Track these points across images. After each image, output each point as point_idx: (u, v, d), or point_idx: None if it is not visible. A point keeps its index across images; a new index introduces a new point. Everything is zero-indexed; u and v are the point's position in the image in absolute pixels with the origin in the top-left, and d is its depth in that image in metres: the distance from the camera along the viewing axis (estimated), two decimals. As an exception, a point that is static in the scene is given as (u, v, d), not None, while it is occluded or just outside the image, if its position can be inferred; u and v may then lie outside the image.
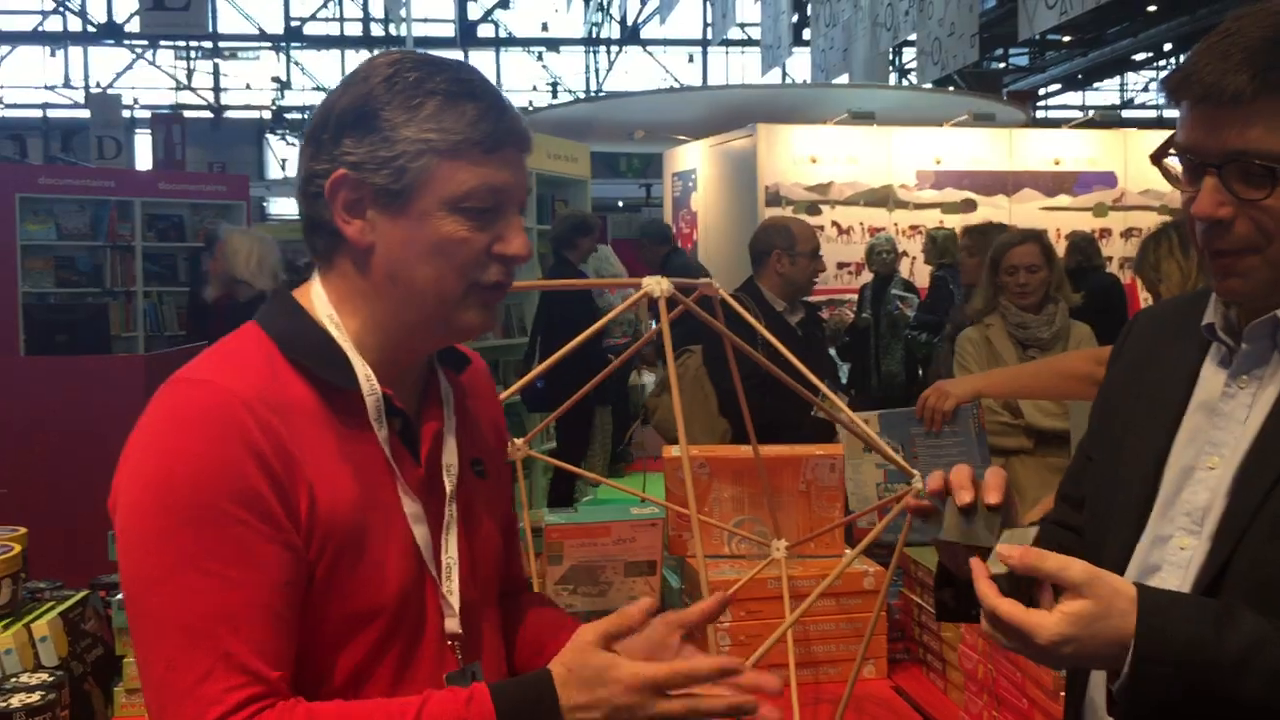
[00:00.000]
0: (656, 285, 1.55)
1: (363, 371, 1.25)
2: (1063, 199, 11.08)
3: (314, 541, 1.18)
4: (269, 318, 1.29)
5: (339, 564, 1.20)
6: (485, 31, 24.56)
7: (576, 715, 1.15)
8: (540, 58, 24.82)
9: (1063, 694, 1.72)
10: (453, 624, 1.30)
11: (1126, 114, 24.59)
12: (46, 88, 23.69)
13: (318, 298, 1.29)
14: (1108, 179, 11.19)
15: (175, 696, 1.11)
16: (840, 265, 10.21)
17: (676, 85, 22.64)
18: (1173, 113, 1.28)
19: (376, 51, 1.28)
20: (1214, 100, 1.19)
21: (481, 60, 23.90)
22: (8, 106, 24.00)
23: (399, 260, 1.24)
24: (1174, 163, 1.30)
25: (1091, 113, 21.28)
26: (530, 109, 19.48)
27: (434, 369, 1.37)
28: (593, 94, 23.14)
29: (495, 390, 1.53)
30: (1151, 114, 24.50)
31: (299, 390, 1.23)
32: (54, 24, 23.44)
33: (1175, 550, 1.30)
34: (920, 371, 7.39)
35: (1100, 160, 11.25)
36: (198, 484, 1.13)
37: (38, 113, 23.95)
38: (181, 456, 1.15)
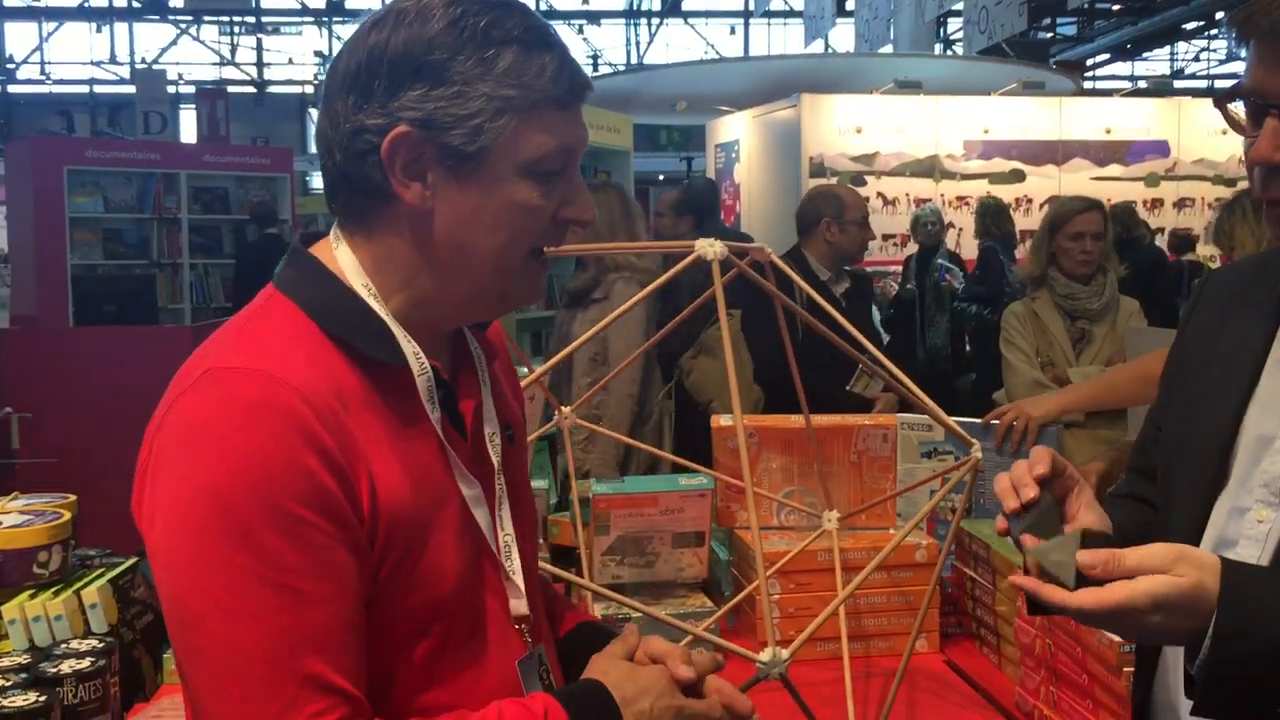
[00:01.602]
0: (710, 248, 1.51)
1: (410, 348, 1.12)
2: (1114, 169, 10.88)
3: (379, 537, 1.06)
4: (295, 286, 1.14)
5: (404, 561, 1.08)
6: (526, 4, 24.47)
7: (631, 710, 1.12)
8: (581, 30, 24.73)
9: (1126, 669, 1.68)
10: (519, 605, 1.19)
11: (1177, 84, 24.15)
12: (93, 63, 23.92)
13: (348, 265, 1.14)
14: (1161, 148, 10.98)
15: None
16: (885, 237, 10.09)
17: (718, 57, 22.47)
18: (1225, 83, 1.20)
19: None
20: (1277, 37, 1.12)
21: (523, 33, 23.80)
22: (55, 83, 24.26)
23: (464, 228, 1.11)
24: (1240, 110, 1.23)
25: (1141, 83, 20.91)
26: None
27: (461, 331, 1.25)
28: (634, 66, 23.00)
29: (508, 347, 1.42)
30: (1202, 84, 24.04)
31: (344, 371, 1.09)
32: (100, 0, 23.64)
33: (1253, 523, 1.24)
34: (967, 345, 7.29)
35: (1153, 129, 11.04)
36: (261, 488, 0.99)
37: (84, 88, 24.19)
38: (238, 457, 0.99)
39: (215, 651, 0.99)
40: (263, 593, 0.99)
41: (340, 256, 1.16)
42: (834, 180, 10.21)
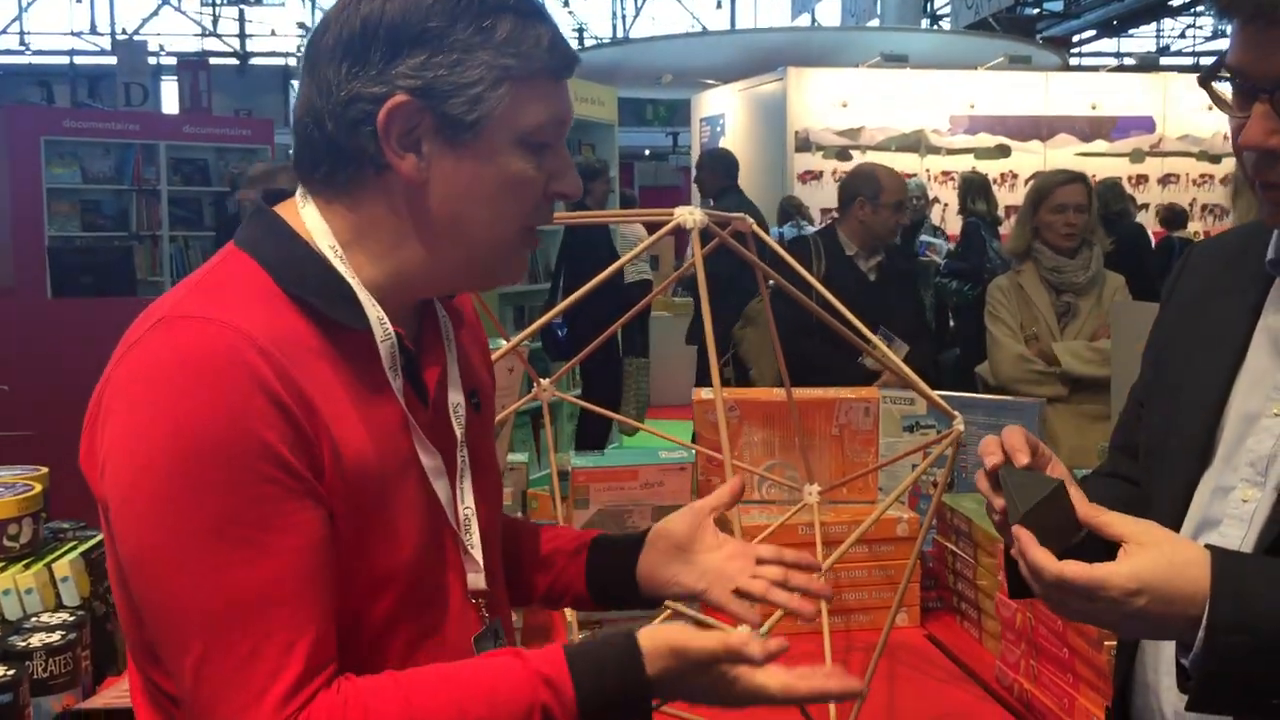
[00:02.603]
0: (689, 216, 1.48)
1: (374, 313, 1.10)
2: (1099, 145, 10.89)
3: (337, 497, 1.04)
4: (256, 244, 1.11)
5: (362, 524, 1.06)
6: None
7: (661, 681, 1.07)
8: (566, 3, 24.55)
9: (1107, 644, 1.67)
10: (478, 580, 1.17)
11: (1163, 61, 24.14)
12: (73, 34, 23.65)
13: (315, 226, 1.12)
14: (1145, 124, 10.99)
15: (217, 687, 0.97)
16: (870, 212, 10.07)
17: (703, 30, 22.36)
18: (1211, 60, 1.17)
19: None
20: (1266, 18, 1.08)
21: (507, 5, 23.64)
22: (35, 53, 23.98)
23: (459, 200, 1.09)
24: (1224, 87, 1.21)
25: (1127, 59, 20.90)
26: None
27: (433, 301, 1.23)
28: (619, 39, 22.87)
29: (479, 316, 1.40)
30: (1188, 60, 24.03)
31: (301, 328, 1.06)
32: (79, -31, 23.35)
33: (1238, 503, 1.22)
34: (951, 320, 7.28)
35: (1138, 105, 11.04)
36: (219, 439, 0.96)
37: (64, 59, 23.92)
38: (195, 409, 0.97)
39: (175, 605, 0.98)
40: (220, 546, 0.97)
41: (307, 218, 1.13)
42: (819, 155, 10.20)
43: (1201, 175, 11.06)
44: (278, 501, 0.99)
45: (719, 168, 6.71)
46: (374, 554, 1.08)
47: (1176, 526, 1.26)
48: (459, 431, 1.19)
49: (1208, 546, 1.10)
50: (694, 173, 7.59)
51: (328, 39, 1.09)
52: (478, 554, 1.18)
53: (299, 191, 1.16)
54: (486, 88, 1.06)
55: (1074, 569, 1.08)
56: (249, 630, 0.97)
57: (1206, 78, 1.21)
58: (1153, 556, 1.08)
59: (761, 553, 1.27)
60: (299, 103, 1.12)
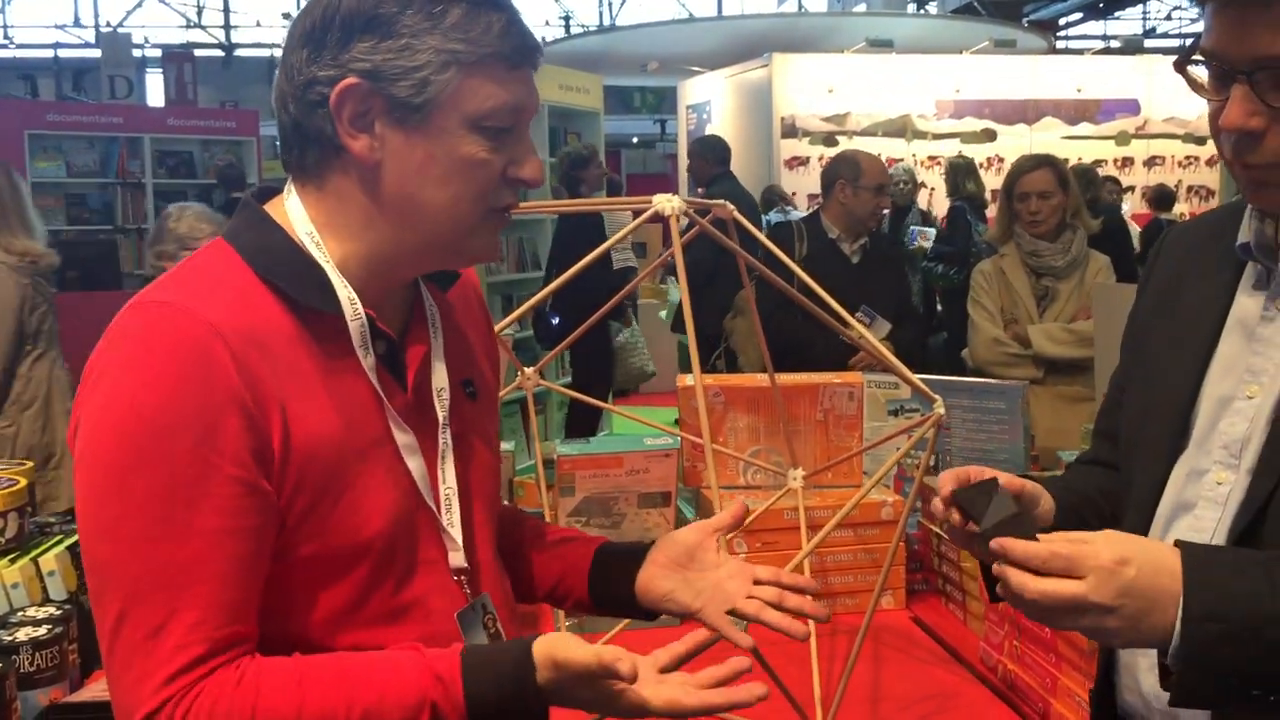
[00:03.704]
0: (667, 203, 1.49)
1: (345, 294, 1.14)
2: (1085, 128, 10.90)
3: (289, 480, 1.08)
4: (238, 234, 1.17)
5: (319, 502, 1.10)
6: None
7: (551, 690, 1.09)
8: (553, -10, 24.47)
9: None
10: (457, 558, 1.21)
11: (1149, 43, 24.17)
12: (57, 27, 23.50)
13: (295, 214, 1.17)
14: (1130, 106, 11.00)
15: (125, 652, 1.02)
16: (857, 197, 10.08)
17: (689, 17, 22.32)
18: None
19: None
20: (1241, 1, 1.09)
21: (493, -7, 23.56)
22: (19, 47, 23.83)
23: (412, 180, 1.13)
24: (1199, 71, 1.21)
25: (1114, 41, 20.89)
26: (543, 43, 19.22)
27: (418, 287, 1.27)
28: (605, 27, 22.80)
29: (486, 307, 1.44)
30: (1174, 42, 24.04)
31: (275, 314, 1.12)
32: (62, -39, 23.20)
33: (1212, 485, 1.22)
34: (939, 304, 7.30)
35: (1123, 88, 11.05)
36: (160, 419, 1.02)
37: (49, 53, 23.78)
38: (145, 388, 1.03)
39: (102, 570, 1.04)
40: (147, 519, 1.02)
41: (289, 208, 1.18)
42: (805, 141, 10.19)
43: (1187, 157, 11.08)
44: (209, 483, 1.04)
45: (709, 154, 6.72)
46: (338, 527, 1.11)
47: (1152, 510, 1.27)
48: (441, 414, 1.22)
49: (1177, 542, 1.10)
50: (686, 161, 7.61)
51: (297, 27, 1.14)
52: (456, 532, 1.21)
53: (287, 182, 1.21)
54: (433, 71, 1.10)
55: (1051, 547, 1.09)
56: (163, 603, 1.02)
57: (1182, 62, 1.21)
58: (1127, 538, 1.09)
59: (759, 574, 1.28)
60: (274, 89, 1.17)
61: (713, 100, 11.81)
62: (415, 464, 1.18)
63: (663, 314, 9.56)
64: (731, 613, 1.26)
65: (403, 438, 1.17)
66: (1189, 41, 1.17)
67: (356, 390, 1.15)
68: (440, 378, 1.24)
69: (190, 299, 1.08)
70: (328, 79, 1.10)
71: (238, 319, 1.08)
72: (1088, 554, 1.07)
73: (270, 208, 1.19)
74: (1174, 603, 1.06)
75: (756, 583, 1.27)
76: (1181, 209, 10.81)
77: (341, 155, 1.14)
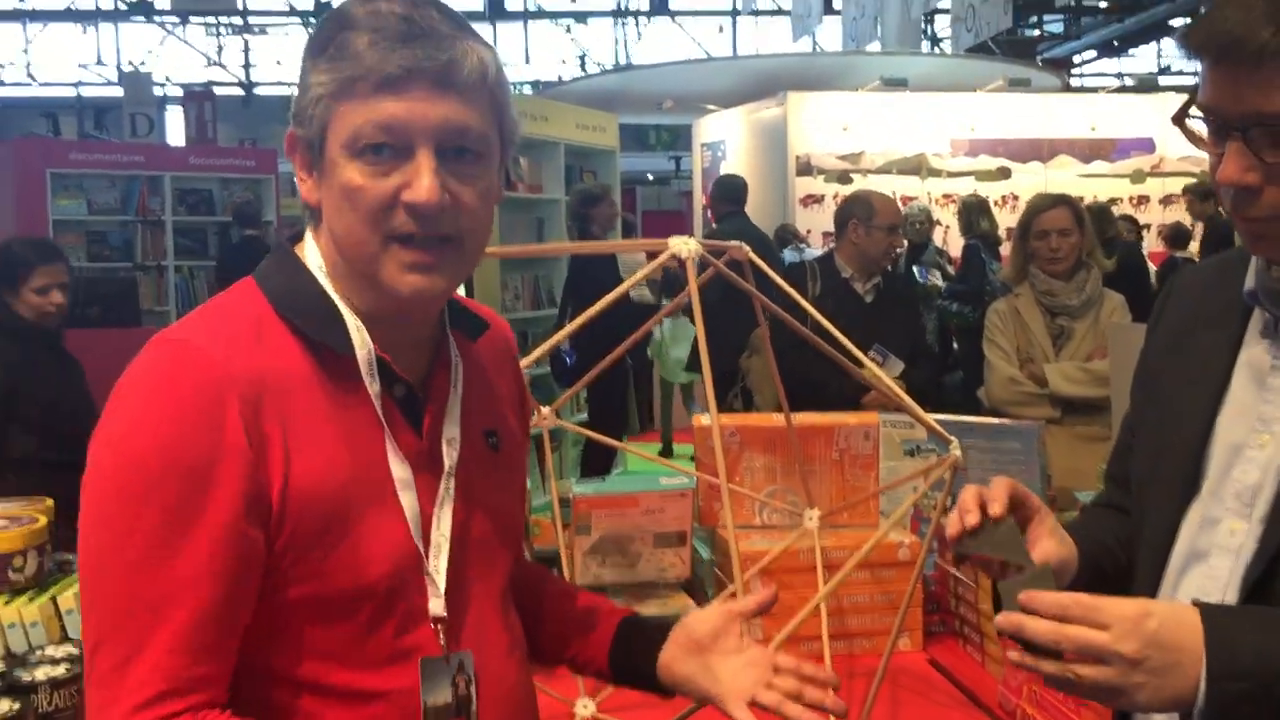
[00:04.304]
0: (684, 245, 1.50)
1: (353, 323, 1.16)
2: (1100, 166, 10.92)
3: (287, 525, 1.09)
4: (267, 275, 1.20)
5: (319, 544, 1.11)
6: (514, 4, 24.43)
7: None
8: (569, 30, 24.69)
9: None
10: (436, 605, 1.19)
11: (1163, 81, 24.22)
12: (79, 65, 23.81)
13: (310, 254, 1.21)
14: (1145, 145, 11.02)
15: (96, 680, 1.05)
16: (872, 235, 10.10)
17: (705, 56, 22.47)
18: None
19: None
20: (1235, 58, 1.10)
21: (510, 33, 23.79)
22: (41, 85, 24.14)
23: (328, 216, 1.15)
24: (1198, 125, 1.22)
25: (1128, 79, 20.94)
26: (559, 82, 19.41)
27: (445, 335, 1.27)
28: (621, 66, 22.98)
29: (516, 358, 1.43)
30: (1189, 80, 24.05)
31: (292, 354, 1.14)
32: (85, 2, 23.53)
33: (1225, 534, 1.22)
34: (954, 343, 7.29)
35: (1138, 126, 11.07)
36: (153, 454, 1.05)
37: (71, 91, 24.09)
38: (145, 422, 1.06)
39: (87, 599, 1.08)
40: (130, 551, 1.04)
41: (307, 248, 1.22)
42: (820, 179, 10.23)
43: (1202, 195, 11.09)
44: (196, 527, 1.05)
45: (720, 193, 6.91)
46: (340, 568, 1.12)
47: (1165, 558, 1.27)
48: (447, 463, 1.22)
49: (1194, 603, 1.10)
50: (701, 199, 7.74)
51: None
52: (440, 579, 1.20)
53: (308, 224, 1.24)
54: (312, 105, 1.12)
55: (1074, 601, 1.09)
56: (132, 637, 1.04)
57: (1180, 116, 1.23)
58: (1147, 601, 1.09)
59: (780, 662, 1.28)
60: None
61: (728, 138, 11.87)
62: (408, 500, 1.18)
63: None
64: (752, 703, 1.26)
65: (400, 471, 1.17)
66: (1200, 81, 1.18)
67: (366, 427, 1.16)
68: (452, 428, 1.24)
69: (207, 339, 1.11)
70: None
71: (252, 360, 1.10)
72: (1110, 604, 1.08)
73: (299, 248, 1.22)
74: (1195, 660, 1.05)
75: (777, 669, 1.27)
76: (1197, 246, 10.80)
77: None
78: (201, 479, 1.05)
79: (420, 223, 1.12)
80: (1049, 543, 1.33)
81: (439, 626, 1.20)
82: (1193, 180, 10.62)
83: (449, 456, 1.23)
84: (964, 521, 1.27)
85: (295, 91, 1.15)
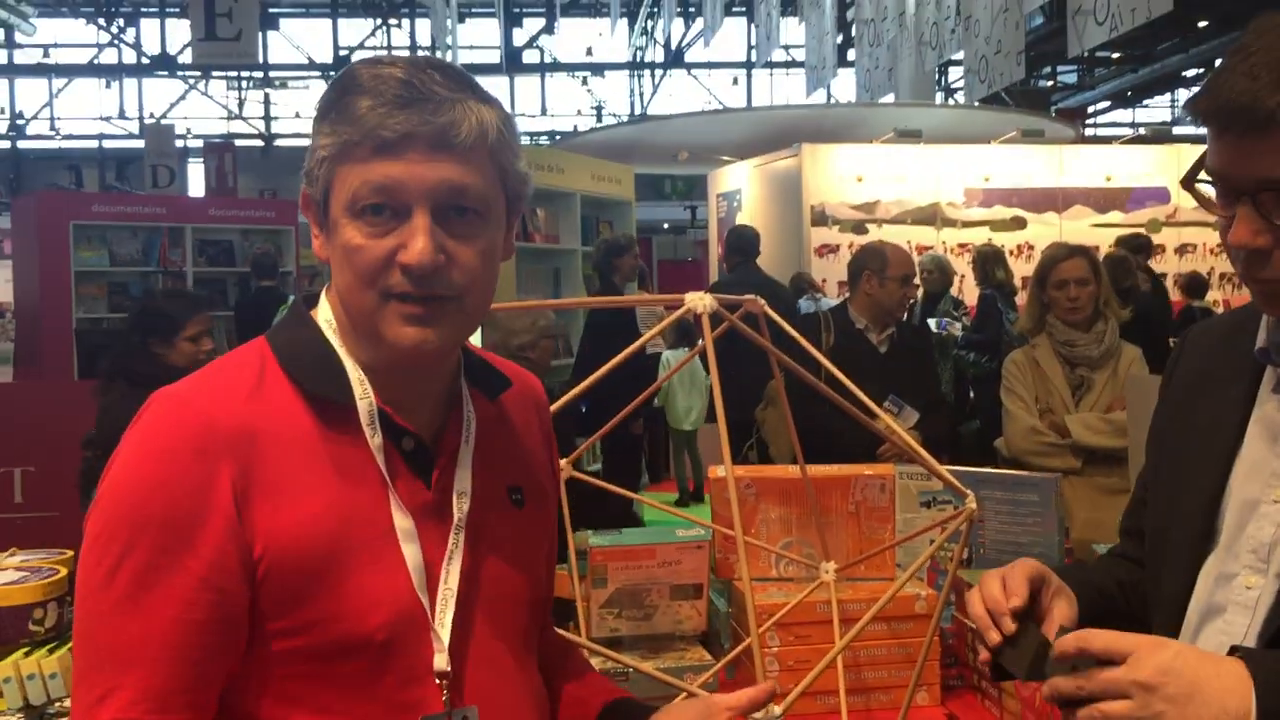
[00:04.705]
0: (699, 301, 1.52)
1: (356, 375, 1.19)
2: (1115, 215, 10.94)
3: (271, 575, 1.11)
4: (276, 332, 1.25)
5: (307, 592, 1.12)
6: (530, 57, 24.75)
7: None
8: (585, 82, 24.96)
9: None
10: (440, 660, 1.18)
11: (1177, 131, 24.30)
12: (102, 118, 24.18)
13: (322, 310, 1.25)
14: (1161, 194, 11.04)
15: (78, 711, 1.10)
16: (887, 285, 10.11)
17: (720, 107, 22.65)
18: None
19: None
20: (1243, 126, 1.12)
21: (527, 85, 24.09)
22: (65, 138, 24.50)
23: (335, 272, 1.20)
24: (1206, 187, 1.24)
25: (1142, 129, 21.01)
26: (575, 133, 19.58)
27: (461, 392, 1.28)
28: (637, 117, 23.20)
29: (548, 417, 1.42)
30: (1204, 130, 24.06)
31: (291, 409, 1.17)
32: (109, 56, 23.95)
33: (1241, 590, 1.23)
34: (971, 393, 7.28)
35: (1153, 176, 11.10)
36: (136, 504, 1.09)
37: (94, 143, 24.43)
38: (132, 473, 1.11)
39: (76, 638, 1.12)
40: (108, 596, 1.09)
41: (321, 304, 1.25)
42: (835, 229, 10.27)
43: (1218, 245, 11.04)
44: (174, 576, 1.08)
45: (731, 244, 7.05)
46: (339, 618, 1.13)
47: (1180, 613, 1.27)
48: (457, 515, 1.22)
49: (1233, 648, 1.11)
50: (717, 250, 7.86)
51: None
52: (445, 633, 1.19)
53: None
54: (318, 167, 1.16)
55: (1101, 639, 1.10)
56: (108, 676, 1.08)
57: (1189, 180, 1.25)
58: (1170, 641, 1.10)
59: None
60: None
61: (743, 189, 11.94)
62: (411, 551, 1.18)
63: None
64: None
65: (402, 522, 1.18)
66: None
67: (366, 478, 1.17)
68: (463, 482, 1.24)
69: (204, 395, 1.15)
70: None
71: (247, 416, 1.14)
72: (1127, 637, 1.09)
73: (317, 305, 1.26)
74: (1219, 692, 1.05)
75: None
76: (1215, 295, 10.78)
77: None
78: (185, 533, 1.09)
79: (415, 282, 1.14)
80: (1061, 605, 1.33)
81: (442, 682, 1.19)
82: (1208, 229, 10.64)
83: (459, 509, 1.23)
84: (1001, 629, 1.25)
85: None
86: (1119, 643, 1.09)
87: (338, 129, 1.14)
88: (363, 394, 1.18)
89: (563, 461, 2.24)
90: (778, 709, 1.40)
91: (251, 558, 1.11)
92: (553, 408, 1.96)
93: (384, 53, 1.35)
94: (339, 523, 1.14)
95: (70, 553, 2.21)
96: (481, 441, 1.27)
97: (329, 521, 1.13)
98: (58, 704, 1.86)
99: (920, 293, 8.11)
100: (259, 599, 1.11)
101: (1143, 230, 9.65)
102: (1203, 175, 1.24)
